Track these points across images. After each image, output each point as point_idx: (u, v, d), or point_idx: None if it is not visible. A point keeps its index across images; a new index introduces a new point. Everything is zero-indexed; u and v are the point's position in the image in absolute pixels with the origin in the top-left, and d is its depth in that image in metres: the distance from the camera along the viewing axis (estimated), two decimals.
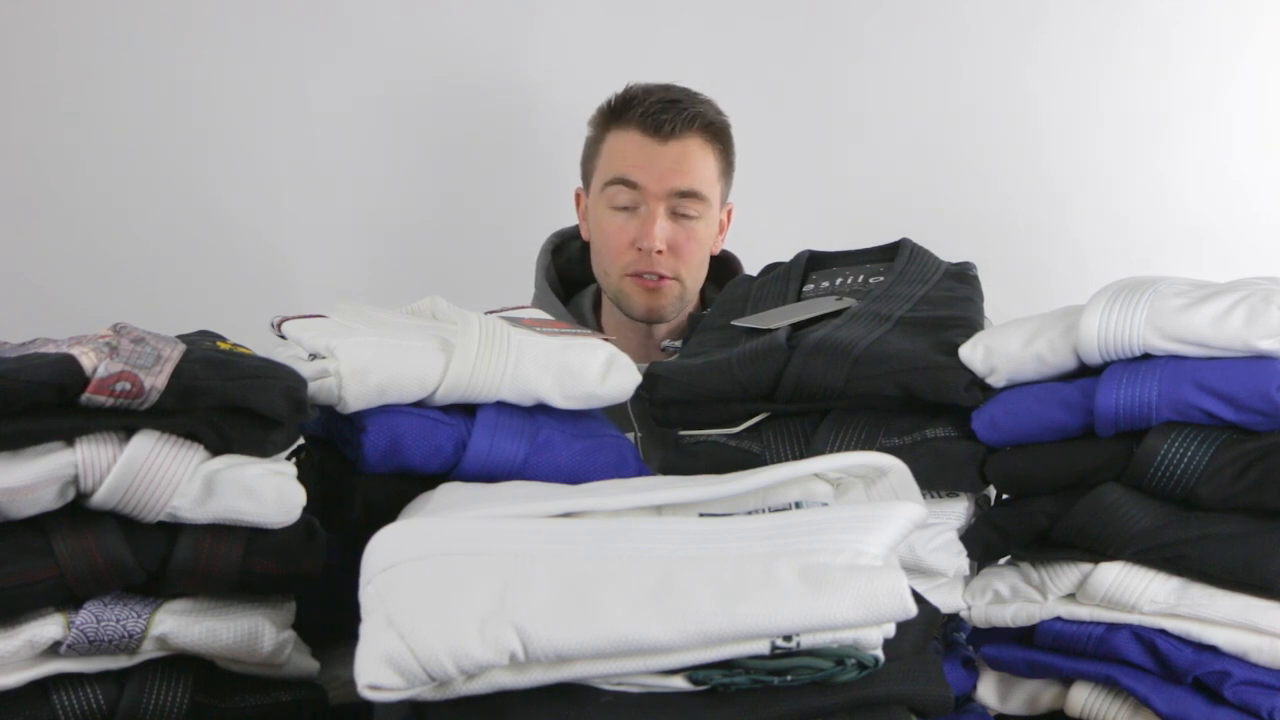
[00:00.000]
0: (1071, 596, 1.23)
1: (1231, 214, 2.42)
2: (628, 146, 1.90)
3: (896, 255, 1.55)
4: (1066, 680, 1.26)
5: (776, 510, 1.07)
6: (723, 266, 2.03)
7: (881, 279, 1.50)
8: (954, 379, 1.25)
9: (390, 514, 1.14)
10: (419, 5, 2.29)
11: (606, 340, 1.33)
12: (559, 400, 1.27)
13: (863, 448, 1.24)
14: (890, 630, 1.00)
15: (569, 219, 2.08)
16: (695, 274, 1.94)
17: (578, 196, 2.03)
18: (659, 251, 1.87)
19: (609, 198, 1.90)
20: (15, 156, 2.17)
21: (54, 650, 1.07)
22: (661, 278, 1.89)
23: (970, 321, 1.38)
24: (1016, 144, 2.39)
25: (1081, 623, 1.22)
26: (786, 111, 2.37)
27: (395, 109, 2.31)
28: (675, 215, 1.89)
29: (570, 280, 2.04)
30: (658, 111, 1.88)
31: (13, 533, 1.04)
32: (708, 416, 1.32)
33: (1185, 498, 1.17)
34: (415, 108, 2.32)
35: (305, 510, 1.13)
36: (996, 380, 1.26)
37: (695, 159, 1.90)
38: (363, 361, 1.21)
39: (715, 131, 1.93)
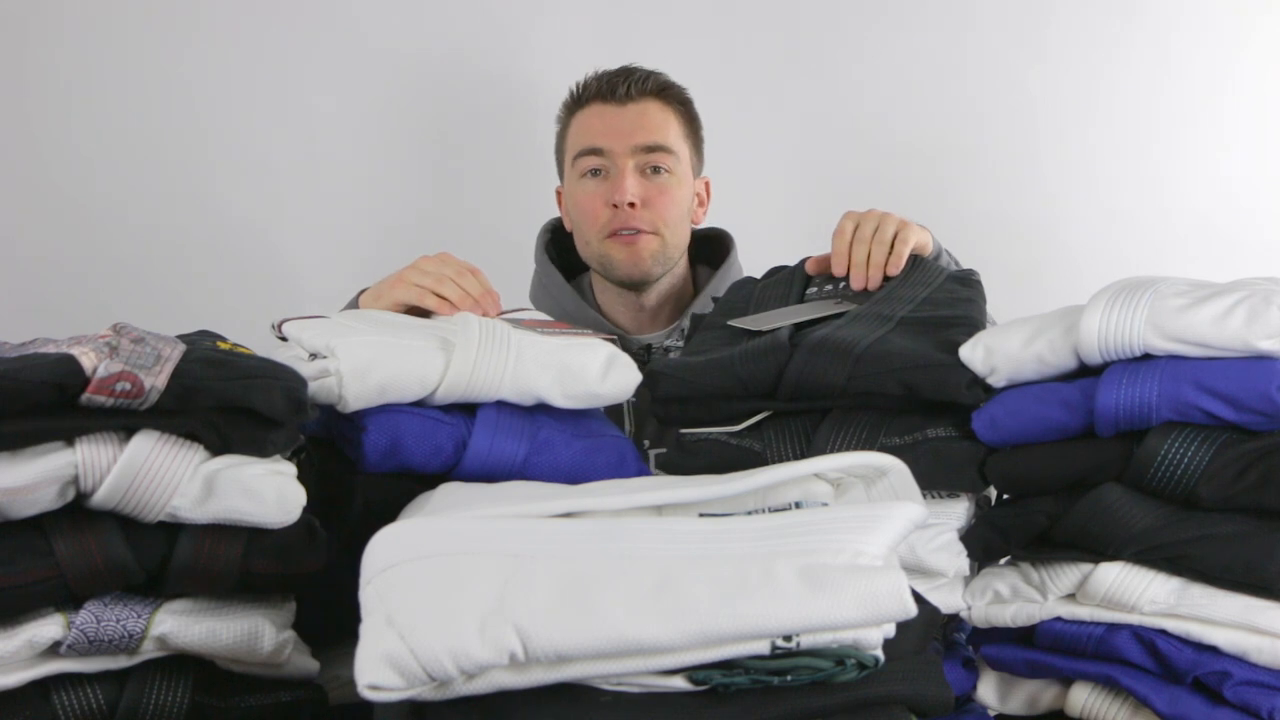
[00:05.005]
0: (1071, 596, 1.23)
1: (1231, 214, 2.42)
2: (589, 120, 1.95)
3: None
4: (1066, 680, 1.26)
5: (776, 510, 1.07)
6: (714, 244, 2.04)
7: (885, 282, 1.51)
8: (955, 377, 1.25)
9: (390, 514, 1.14)
10: (420, 5, 2.29)
11: (607, 339, 1.33)
12: (559, 399, 1.27)
13: (863, 447, 1.24)
14: (890, 630, 1.00)
15: None
16: (675, 230, 1.94)
17: (558, 195, 2.05)
18: (631, 204, 1.90)
19: (579, 170, 1.95)
20: (16, 156, 2.17)
21: (54, 650, 1.07)
22: (639, 232, 1.91)
23: (972, 321, 1.38)
24: (1017, 144, 2.39)
25: (1081, 623, 1.22)
26: (787, 111, 2.36)
27: (396, 109, 2.31)
28: (644, 172, 1.92)
29: (566, 269, 2.05)
30: (612, 79, 1.95)
31: (13, 533, 1.04)
32: (709, 414, 1.32)
33: (1185, 498, 1.17)
34: (416, 107, 2.31)
35: (305, 510, 1.13)
36: (996, 380, 1.26)
37: (655, 117, 1.94)
38: (363, 361, 1.21)
39: (673, 94, 1.98)
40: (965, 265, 1.65)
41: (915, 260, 1.55)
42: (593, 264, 1.98)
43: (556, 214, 2.08)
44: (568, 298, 1.96)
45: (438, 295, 1.47)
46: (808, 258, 1.60)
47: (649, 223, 1.91)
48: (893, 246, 1.51)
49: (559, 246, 2.04)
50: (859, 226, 1.53)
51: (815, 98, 2.37)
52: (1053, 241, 2.38)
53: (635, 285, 1.96)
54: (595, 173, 1.93)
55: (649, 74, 1.96)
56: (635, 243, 1.91)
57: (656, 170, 1.92)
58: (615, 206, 1.90)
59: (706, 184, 2.04)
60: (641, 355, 1.92)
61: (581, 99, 1.97)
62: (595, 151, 1.92)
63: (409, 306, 1.50)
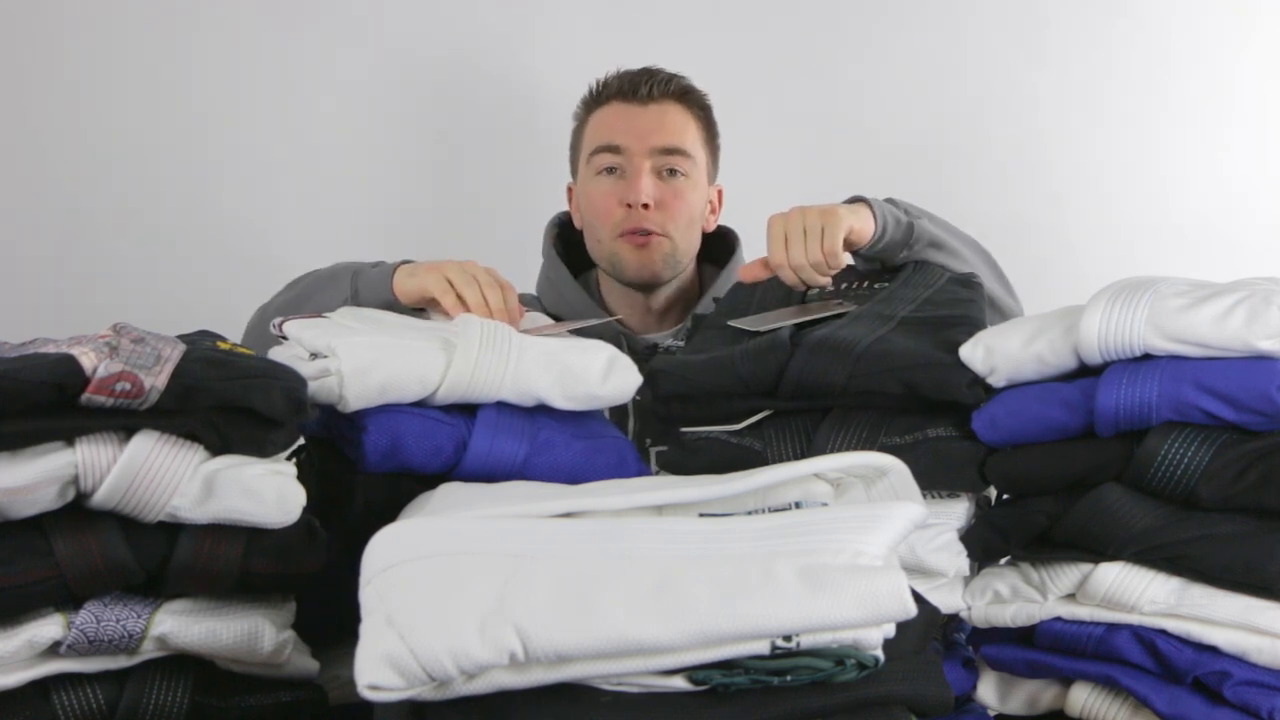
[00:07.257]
0: (1071, 596, 1.23)
1: (1231, 214, 2.41)
2: (609, 117, 1.95)
3: (902, 267, 1.56)
4: (1066, 680, 1.26)
5: (776, 510, 1.07)
6: (721, 243, 2.04)
7: (886, 285, 1.51)
8: (956, 376, 1.26)
9: (390, 514, 1.14)
10: (420, 5, 2.29)
11: (613, 319, 1.33)
12: (559, 400, 1.27)
13: (864, 447, 1.24)
14: (890, 630, 1.00)
15: None
16: (685, 234, 1.95)
17: (569, 191, 2.04)
18: (645, 206, 1.90)
19: (595, 166, 1.94)
20: (16, 156, 2.17)
21: (54, 650, 1.07)
22: (650, 233, 1.91)
23: (973, 320, 1.38)
24: (1017, 144, 2.39)
25: (1081, 623, 1.23)
26: (787, 111, 2.36)
27: (396, 109, 2.30)
28: (660, 173, 1.92)
29: (573, 265, 2.05)
30: (634, 79, 1.95)
31: (13, 533, 1.04)
32: (710, 412, 1.32)
33: (1186, 498, 1.17)
34: (416, 107, 2.31)
35: (305, 510, 1.13)
36: (996, 380, 1.26)
37: (675, 119, 1.94)
38: (364, 361, 1.21)
39: (694, 99, 1.98)
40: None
41: (917, 264, 1.56)
42: (602, 263, 1.98)
43: (558, 211, 2.08)
44: (574, 293, 1.95)
45: (458, 296, 1.47)
46: None
47: (660, 224, 1.91)
48: (824, 240, 1.51)
49: (566, 242, 2.04)
50: (787, 228, 1.53)
51: (815, 98, 2.37)
52: (1054, 241, 2.38)
53: (644, 287, 1.96)
54: (611, 170, 1.93)
55: (671, 76, 1.97)
56: (646, 245, 1.91)
57: (673, 173, 1.92)
58: (629, 206, 1.90)
59: (719, 192, 2.04)
60: (646, 355, 1.92)
61: (601, 96, 1.97)
62: (613, 149, 1.92)
63: (428, 297, 1.50)
